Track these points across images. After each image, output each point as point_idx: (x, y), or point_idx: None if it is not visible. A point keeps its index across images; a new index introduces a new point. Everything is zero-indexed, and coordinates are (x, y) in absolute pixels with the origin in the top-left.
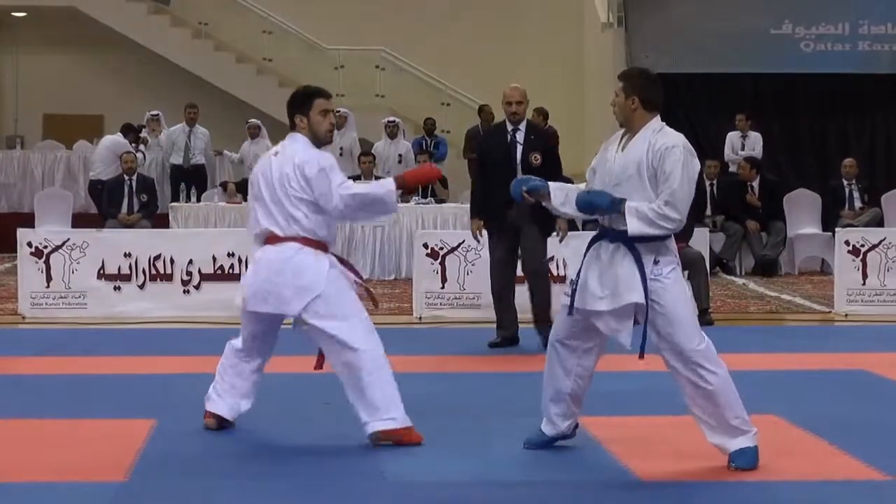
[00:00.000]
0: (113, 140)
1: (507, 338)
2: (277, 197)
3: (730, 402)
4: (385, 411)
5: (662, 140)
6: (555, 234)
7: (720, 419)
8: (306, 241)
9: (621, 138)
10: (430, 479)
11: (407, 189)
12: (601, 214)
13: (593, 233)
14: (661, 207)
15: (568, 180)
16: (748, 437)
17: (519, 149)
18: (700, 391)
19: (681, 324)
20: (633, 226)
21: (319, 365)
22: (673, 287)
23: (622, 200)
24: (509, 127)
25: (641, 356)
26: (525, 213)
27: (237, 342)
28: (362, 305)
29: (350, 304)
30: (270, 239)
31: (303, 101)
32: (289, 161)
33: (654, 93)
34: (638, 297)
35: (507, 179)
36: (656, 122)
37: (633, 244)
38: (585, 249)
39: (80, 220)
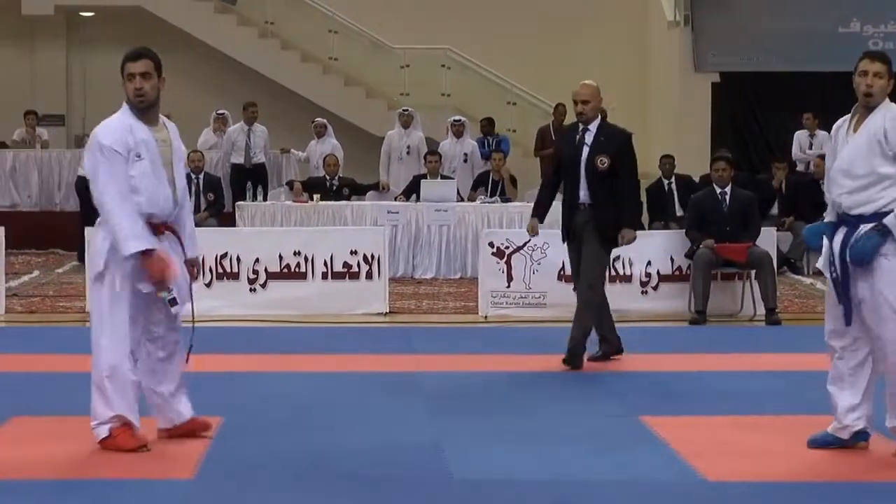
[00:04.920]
0: None
1: (607, 353)
2: None
3: None
4: None
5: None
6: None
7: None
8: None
9: (850, 122)
10: (495, 478)
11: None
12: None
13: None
14: None
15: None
16: None
17: (585, 151)
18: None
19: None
20: None
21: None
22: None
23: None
24: (580, 127)
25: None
26: (587, 219)
27: None
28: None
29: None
30: None
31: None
32: None
33: None
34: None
35: (573, 183)
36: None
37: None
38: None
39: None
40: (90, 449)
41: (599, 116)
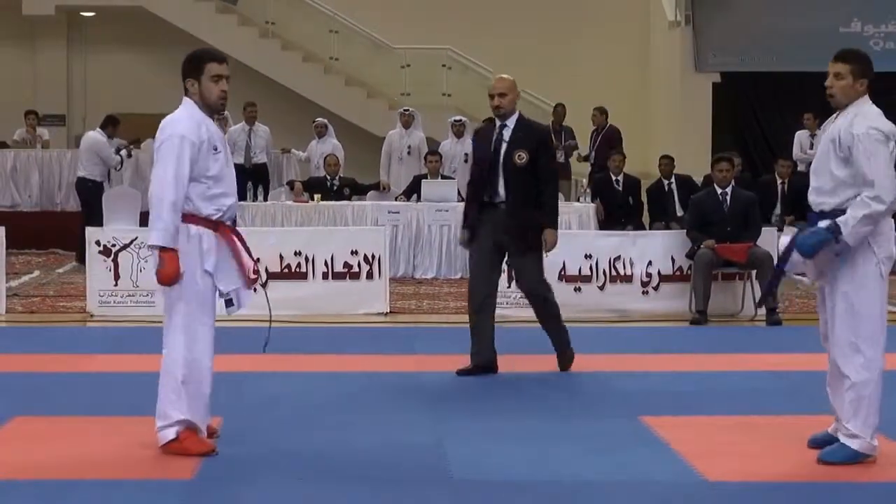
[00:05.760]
0: (92, 138)
1: (479, 365)
2: None
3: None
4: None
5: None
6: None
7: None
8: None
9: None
10: (495, 478)
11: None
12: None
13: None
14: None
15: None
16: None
17: (503, 147)
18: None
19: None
20: (851, 240)
21: None
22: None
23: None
24: (497, 123)
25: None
26: (505, 222)
27: None
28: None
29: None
30: None
31: (195, 64)
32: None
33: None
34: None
35: (490, 180)
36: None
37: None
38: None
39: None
40: (91, 449)
41: (517, 111)
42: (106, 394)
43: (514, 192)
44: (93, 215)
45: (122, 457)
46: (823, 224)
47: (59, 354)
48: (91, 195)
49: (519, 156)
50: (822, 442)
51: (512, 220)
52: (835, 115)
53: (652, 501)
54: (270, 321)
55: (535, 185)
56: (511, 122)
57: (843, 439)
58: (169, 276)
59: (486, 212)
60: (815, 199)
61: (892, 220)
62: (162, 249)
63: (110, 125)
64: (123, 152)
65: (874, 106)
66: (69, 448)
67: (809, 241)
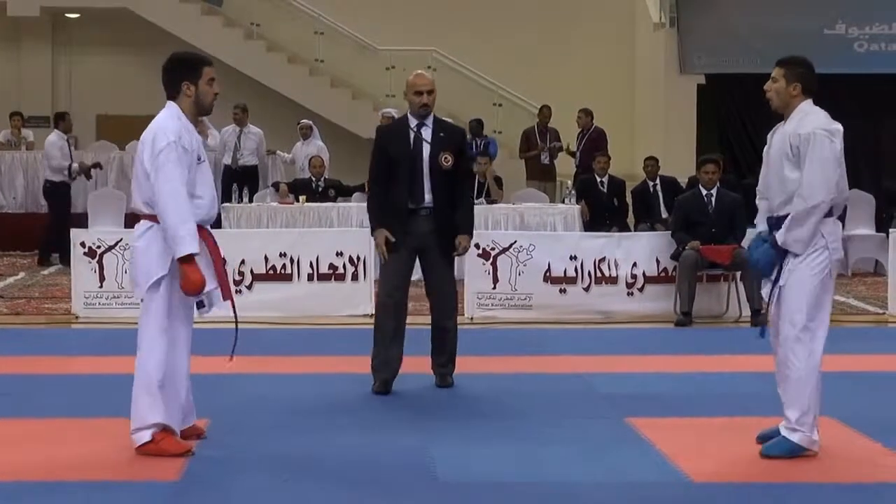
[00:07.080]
0: (47, 140)
1: (388, 381)
2: (136, 170)
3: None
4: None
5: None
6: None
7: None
8: (154, 219)
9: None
10: (480, 479)
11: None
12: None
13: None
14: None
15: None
16: (796, 434)
17: (426, 148)
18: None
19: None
20: (794, 248)
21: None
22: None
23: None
24: (412, 122)
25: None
26: (432, 229)
27: None
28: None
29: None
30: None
31: (191, 67)
32: (148, 130)
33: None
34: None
35: (411, 183)
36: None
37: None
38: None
39: (134, 221)
40: (76, 451)
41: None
42: (92, 396)
43: (440, 196)
44: (56, 216)
45: (107, 458)
46: (765, 238)
47: (45, 356)
48: (51, 196)
49: (445, 158)
50: (769, 438)
51: (436, 229)
52: (782, 123)
53: (637, 502)
54: (237, 325)
55: (454, 188)
56: (429, 122)
57: (783, 432)
58: (198, 283)
59: (410, 218)
60: (775, 204)
61: (841, 224)
62: (189, 258)
63: (60, 121)
64: (75, 166)
65: (819, 109)
66: (54, 450)
67: (762, 264)
